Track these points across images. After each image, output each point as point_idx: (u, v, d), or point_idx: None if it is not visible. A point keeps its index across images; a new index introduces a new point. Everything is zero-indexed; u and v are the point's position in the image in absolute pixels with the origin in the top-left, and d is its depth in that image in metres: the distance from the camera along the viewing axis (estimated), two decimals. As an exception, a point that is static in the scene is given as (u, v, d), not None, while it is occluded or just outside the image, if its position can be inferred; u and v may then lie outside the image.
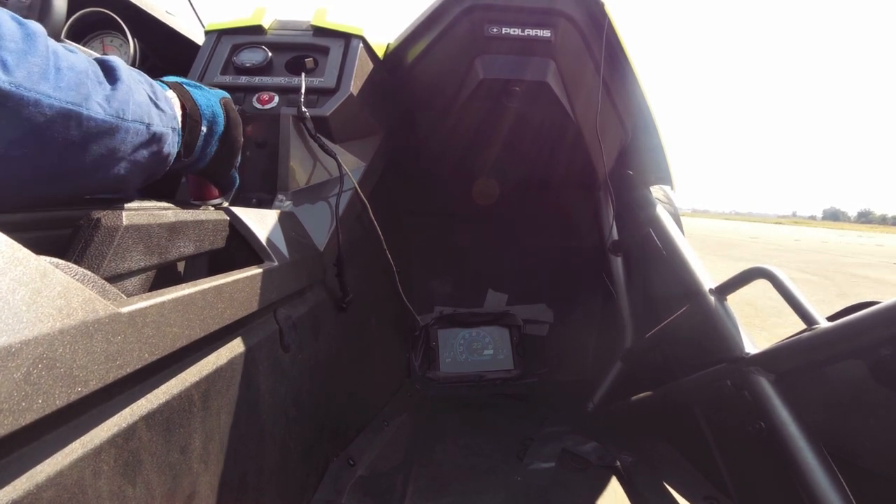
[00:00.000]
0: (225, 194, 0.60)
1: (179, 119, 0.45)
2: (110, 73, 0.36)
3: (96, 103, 0.32)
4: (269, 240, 0.56)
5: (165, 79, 0.49)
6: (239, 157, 0.57)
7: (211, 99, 0.51)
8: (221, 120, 0.52)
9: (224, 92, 0.56)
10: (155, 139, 0.39)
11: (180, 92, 0.48)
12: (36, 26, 0.30)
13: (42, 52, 0.29)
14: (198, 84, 0.52)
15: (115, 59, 0.37)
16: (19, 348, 0.21)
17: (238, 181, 0.60)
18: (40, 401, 0.22)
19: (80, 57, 0.33)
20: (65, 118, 0.29)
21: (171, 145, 0.43)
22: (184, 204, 0.49)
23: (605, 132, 0.93)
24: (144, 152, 0.39)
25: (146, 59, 0.86)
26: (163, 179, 0.46)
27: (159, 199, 0.46)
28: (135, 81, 0.38)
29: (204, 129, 0.49)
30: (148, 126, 0.38)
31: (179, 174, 0.55)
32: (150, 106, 0.39)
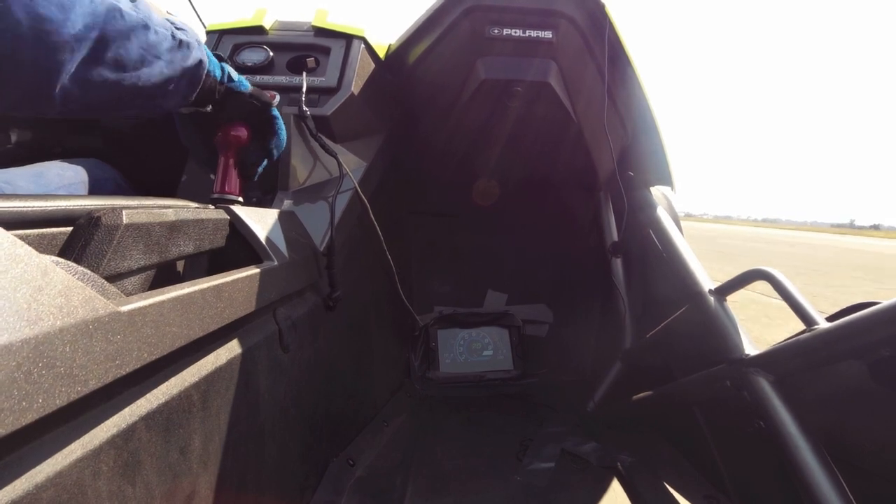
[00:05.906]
0: (249, 179, 0.64)
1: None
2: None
3: (126, 4, 0.44)
4: (268, 239, 0.56)
5: None
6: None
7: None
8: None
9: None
10: (183, 46, 0.50)
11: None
12: None
13: None
14: None
15: None
16: (20, 347, 0.21)
17: (276, 153, 0.66)
18: (40, 400, 0.22)
19: None
20: (112, 10, 0.41)
21: (201, 53, 0.53)
22: (184, 203, 0.49)
23: (606, 133, 0.93)
24: (178, 55, 0.50)
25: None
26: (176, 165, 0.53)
27: (159, 197, 0.46)
28: (155, 9, 0.49)
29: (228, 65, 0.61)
30: (172, 34, 0.49)
31: (236, 101, 0.61)
32: (170, 25, 0.50)
